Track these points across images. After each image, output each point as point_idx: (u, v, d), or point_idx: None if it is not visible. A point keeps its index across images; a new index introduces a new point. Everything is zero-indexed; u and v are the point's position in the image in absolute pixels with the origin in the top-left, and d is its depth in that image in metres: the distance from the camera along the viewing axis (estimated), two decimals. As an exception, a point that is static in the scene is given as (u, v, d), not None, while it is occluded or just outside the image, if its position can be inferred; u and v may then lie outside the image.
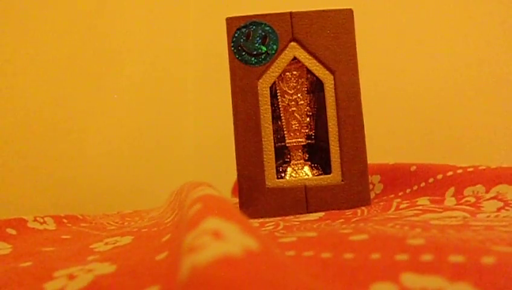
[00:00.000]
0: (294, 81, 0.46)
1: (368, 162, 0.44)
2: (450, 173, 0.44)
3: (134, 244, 0.29)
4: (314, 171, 0.46)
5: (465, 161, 0.47)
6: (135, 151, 0.90)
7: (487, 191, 0.39)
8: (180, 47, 1.06)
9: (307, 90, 0.46)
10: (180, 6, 1.07)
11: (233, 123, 0.44)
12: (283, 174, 0.46)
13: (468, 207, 0.33)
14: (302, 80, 0.46)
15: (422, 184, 0.46)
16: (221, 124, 0.78)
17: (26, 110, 0.69)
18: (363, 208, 0.41)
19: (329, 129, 0.44)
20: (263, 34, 0.44)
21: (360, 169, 0.44)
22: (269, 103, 0.45)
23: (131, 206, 0.73)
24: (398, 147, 0.84)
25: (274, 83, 0.45)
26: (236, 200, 0.45)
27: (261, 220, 0.39)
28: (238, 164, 0.44)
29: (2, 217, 0.42)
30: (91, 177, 0.79)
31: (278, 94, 0.46)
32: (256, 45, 0.44)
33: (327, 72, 0.45)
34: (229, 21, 0.45)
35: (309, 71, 0.45)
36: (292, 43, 0.45)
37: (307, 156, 0.47)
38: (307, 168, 0.46)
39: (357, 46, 0.45)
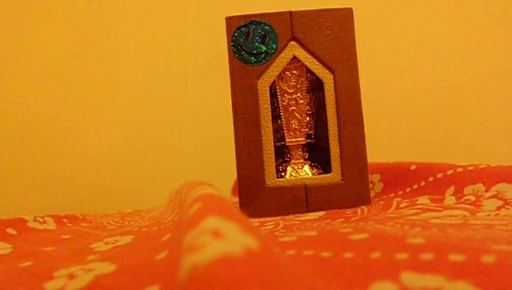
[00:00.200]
0: (294, 80, 0.46)
1: (368, 161, 0.44)
2: (450, 172, 0.44)
3: (135, 244, 0.29)
4: (314, 171, 0.46)
5: (465, 160, 0.47)
6: (135, 151, 0.90)
7: (487, 190, 0.39)
8: (179, 46, 1.06)
9: (306, 90, 0.46)
10: (180, 6, 1.06)
11: (233, 122, 0.44)
12: (283, 174, 0.46)
13: (468, 206, 0.33)
14: (302, 79, 0.46)
15: (422, 183, 0.46)
16: (221, 124, 0.78)
17: (26, 110, 0.69)
18: (363, 207, 0.41)
19: (329, 128, 0.44)
20: (263, 33, 0.44)
21: (360, 168, 0.44)
22: (269, 102, 0.45)
23: (131, 206, 0.73)
24: (398, 146, 0.84)
25: (274, 82, 0.45)
26: (237, 199, 0.45)
27: (261, 219, 0.39)
28: (238, 163, 0.44)
29: (2, 217, 0.42)
30: (91, 177, 0.79)
31: (278, 93, 0.46)
32: (256, 44, 0.44)
33: (327, 71, 0.45)
34: (229, 20, 0.45)
35: (309, 70, 0.45)
36: (292, 43, 0.45)
37: (307, 155, 0.47)
38: (306, 168, 0.46)
39: (356, 45, 0.45)
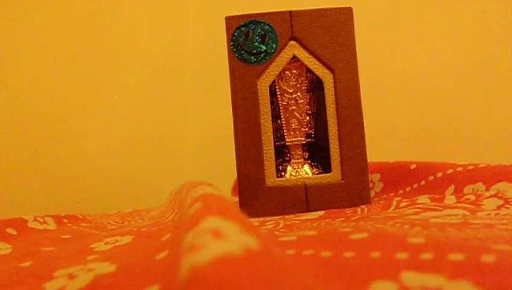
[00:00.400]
0: (294, 80, 0.46)
1: (368, 160, 0.44)
2: (450, 171, 0.44)
3: (135, 244, 0.29)
4: (314, 170, 0.46)
5: (465, 159, 0.47)
6: (135, 151, 0.90)
7: (487, 189, 0.39)
8: (179, 46, 1.06)
9: (306, 89, 0.46)
10: (180, 6, 1.06)
11: (233, 122, 0.44)
12: (283, 173, 0.46)
13: (468, 205, 0.33)
14: (302, 78, 0.46)
15: (422, 182, 0.46)
16: (221, 123, 0.78)
17: (26, 110, 0.69)
18: (363, 206, 0.41)
19: (329, 128, 0.44)
20: (262, 32, 0.44)
21: (360, 167, 0.44)
22: (269, 102, 0.45)
23: (131, 206, 0.73)
24: (398, 146, 0.84)
25: (273, 81, 0.45)
26: (237, 199, 0.45)
27: (261, 219, 0.39)
28: (238, 163, 0.44)
29: (2, 217, 0.42)
30: (91, 177, 0.79)
31: (278, 93, 0.46)
32: (256, 43, 0.44)
33: (327, 70, 0.45)
34: (228, 20, 0.45)
35: (308, 70, 0.45)
36: (291, 42, 0.45)
37: (307, 154, 0.47)
38: (306, 167, 0.46)
39: (356, 44, 0.45)
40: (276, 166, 0.45)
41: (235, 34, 0.45)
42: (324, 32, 0.44)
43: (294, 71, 0.46)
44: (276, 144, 0.46)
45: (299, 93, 0.46)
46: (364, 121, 0.44)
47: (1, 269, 0.25)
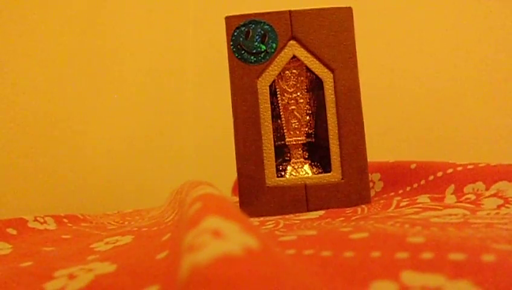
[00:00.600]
0: (294, 79, 0.46)
1: (368, 160, 0.44)
2: (450, 171, 0.44)
3: (135, 244, 0.29)
4: (314, 170, 0.46)
5: (465, 159, 0.47)
6: (135, 151, 0.90)
7: (487, 189, 0.39)
8: (179, 46, 1.06)
9: (306, 89, 0.46)
10: (180, 6, 1.06)
11: (233, 122, 0.44)
12: (283, 173, 0.46)
13: (468, 205, 0.33)
14: (302, 78, 0.46)
15: (422, 182, 0.46)
16: (221, 123, 0.78)
17: (26, 110, 0.69)
18: (363, 206, 0.41)
19: (329, 127, 0.44)
20: (262, 32, 0.44)
21: (360, 167, 0.44)
22: (269, 102, 0.45)
23: (131, 206, 0.73)
24: (398, 145, 0.84)
25: (273, 81, 0.45)
26: (237, 199, 0.45)
27: (261, 218, 0.39)
28: (238, 163, 0.44)
29: (2, 217, 0.42)
30: (91, 177, 0.79)
31: (278, 93, 0.46)
32: (256, 43, 0.44)
33: (326, 70, 0.45)
34: (228, 20, 0.45)
35: (308, 69, 0.45)
36: (291, 42, 0.45)
37: (307, 154, 0.47)
38: (306, 167, 0.46)
39: (356, 44, 0.45)
40: (276, 166, 0.45)
41: (235, 33, 0.45)
42: (324, 32, 0.44)
43: (294, 71, 0.46)
44: (276, 143, 0.46)
45: (299, 93, 0.46)
46: (364, 121, 0.44)
47: (1, 269, 0.25)
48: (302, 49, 0.45)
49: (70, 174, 0.75)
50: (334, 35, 0.44)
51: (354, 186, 0.43)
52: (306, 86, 0.46)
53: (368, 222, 0.26)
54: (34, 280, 0.22)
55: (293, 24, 0.44)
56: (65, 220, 0.48)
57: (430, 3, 0.84)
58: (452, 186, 0.42)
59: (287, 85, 0.46)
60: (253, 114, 0.44)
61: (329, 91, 0.44)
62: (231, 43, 0.45)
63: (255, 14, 0.45)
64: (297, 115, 0.46)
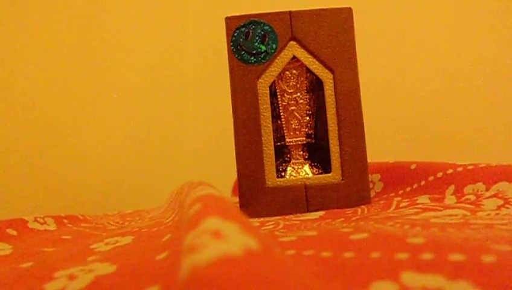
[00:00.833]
0: (294, 80, 0.46)
1: (368, 160, 0.44)
2: (450, 171, 0.44)
3: (135, 245, 0.29)
4: (314, 170, 0.46)
5: (465, 159, 0.47)
6: (135, 151, 0.90)
7: (487, 189, 0.39)
8: (179, 46, 1.06)
9: (306, 89, 0.46)
10: (180, 6, 1.06)
11: (233, 122, 0.44)
12: (283, 174, 0.46)
13: (468, 205, 0.33)
14: (302, 78, 0.46)
15: (423, 182, 0.46)
16: (221, 124, 0.78)
17: (26, 110, 0.69)
18: (363, 206, 0.41)
19: (329, 128, 0.44)
20: (262, 33, 0.44)
21: (360, 168, 0.44)
22: (269, 102, 0.45)
23: (131, 206, 0.73)
24: (398, 146, 0.84)
25: (273, 82, 0.45)
26: (237, 199, 0.45)
27: (261, 219, 0.39)
28: (238, 164, 0.44)
29: (2, 217, 0.42)
30: (91, 177, 0.79)
31: (278, 93, 0.46)
32: (256, 44, 0.44)
33: (327, 71, 0.45)
34: (228, 20, 0.45)
35: (308, 70, 0.45)
36: (291, 42, 0.45)
37: (307, 155, 0.47)
38: (307, 167, 0.46)
39: (356, 45, 0.45)
40: (276, 166, 0.45)
41: (235, 34, 0.45)
42: (324, 32, 0.44)
43: (294, 71, 0.46)
44: (276, 144, 0.46)
45: (299, 94, 0.46)
46: (364, 121, 0.44)
47: (1, 269, 0.25)
48: (302, 50, 0.45)
49: (70, 174, 0.75)
50: (334, 35, 0.44)
51: (354, 187, 0.43)
52: (306, 86, 0.46)
53: (368, 223, 0.26)
54: (34, 280, 0.22)
55: (293, 25, 0.44)
56: (65, 221, 0.48)
57: (430, 3, 0.84)
58: (452, 186, 0.42)
59: (287, 86, 0.46)
60: (253, 114, 0.44)
61: (329, 92, 0.44)
62: (231, 43, 0.45)
63: (255, 14, 0.45)
64: (297, 115, 0.46)
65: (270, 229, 0.31)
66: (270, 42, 0.44)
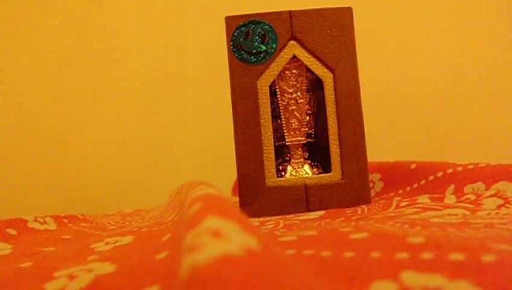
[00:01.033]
0: (294, 79, 0.46)
1: (368, 160, 0.44)
2: (450, 171, 0.44)
3: (135, 244, 0.29)
4: (314, 170, 0.46)
5: (465, 159, 0.47)
6: (135, 151, 0.90)
7: (487, 189, 0.39)
8: (179, 46, 1.06)
9: (306, 89, 0.46)
10: (180, 6, 1.06)
11: (233, 122, 0.44)
12: (283, 173, 0.46)
13: (468, 205, 0.33)
14: (302, 78, 0.46)
15: (422, 182, 0.46)
16: (221, 123, 0.78)
17: (26, 110, 0.69)
18: (363, 206, 0.41)
19: (329, 127, 0.44)
20: (262, 32, 0.44)
21: (360, 167, 0.44)
22: (269, 102, 0.45)
23: (131, 206, 0.73)
24: (398, 145, 0.84)
25: (273, 81, 0.45)
26: (237, 199, 0.45)
27: (261, 219, 0.39)
28: (238, 163, 0.44)
29: (2, 217, 0.42)
30: (91, 177, 0.79)
31: (278, 93, 0.46)
32: (256, 43, 0.44)
33: (327, 70, 0.45)
34: (228, 20, 0.45)
35: (308, 70, 0.45)
36: (291, 42, 0.45)
37: (307, 154, 0.47)
38: (307, 167, 0.46)
39: (356, 44, 0.45)
40: (276, 166, 0.45)
41: (235, 34, 0.45)
42: (324, 32, 0.44)
43: (294, 71, 0.46)
44: (276, 144, 0.46)
45: (299, 93, 0.46)
46: (364, 121, 0.44)
47: (1, 269, 0.25)
48: (302, 49, 0.45)
49: (70, 174, 0.75)
50: (334, 35, 0.44)
51: (354, 187, 0.43)
52: (306, 86, 0.46)
53: (368, 222, 0.26)
54: (34, 280, 0.22)
55: (293, 24, 0.44)
56: (65, 221, 0.48)
57: (430, 3, 0.84)
58: (452, 186, 0.42)
59: (287, 85, 0.46)
60: (253, 114, 0.44)
61: (329, 91, 0.44)
62: (231, 43, 0.45)
63: (255, 14, 0.45)
64: (297, 115, 0.46)
65: (270, 229, 0.31)
66: (270, 42, 0.44)
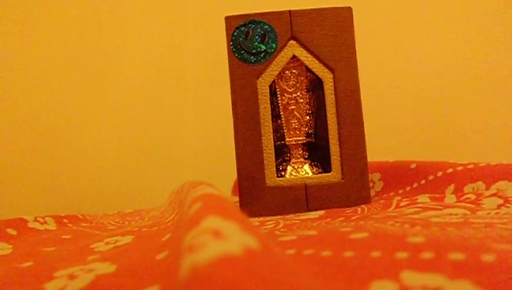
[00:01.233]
0: (294, 79, 0.46)
1: (368, 160, 0.44)
2: (450, 170, 0.44)
3: (135, 244, 0.29)
4: (314, 170, 0.46)
5: (465, 158, 0.47)
6: (135, 151, 0.90)
7: (487, 188, 0.39)
8: (179, 46, 1.06)
9: (306, 89, 0.46)
10: (180, 6, 1.06)
11: (233, 122, 0.44)
12: (283, 173, 0.46)
13: (468, 204, 0.33)
14: (302, 78, 0.46)
15: (422, 182, 0.46)
16: (221, 123, 0.78)
17: (26, 110, 0.69)
18: (363, 206, 0.41)
19: (329, 127, 0.44)
20: (262, 32, 0.44)
21: (360, 167, 0.44)
22: (269, 102, 0.45)
23: (131, 206, 0.73)
24: (398, 145, 0.84)
25: (273, 81, 0.45)
26: (237, 199, 0.45)
27: (261, 218, 0.39)
28: (238, 163, 0.44)
29: (2, 217, 0.42)
30: (91, 177, 0.79)
31: (278, 93, 0.46)
32: (256, 43, 0.44)
33: (326, 70, 0.45)
34: (228, 20, 0.45)
35: (308, 69, 0.45)
36: (291, 42, 0.45)
37: (307, 154, 0.47)
38: (307, 167, 0.46)
39: (356, 44, 0.45)
40: (276, 166, 0.45)
41: (235, 33, 0.45)
42: (324, 32, 0.44)
43: (294, 71, 0.46)
44: (276, 143, 0.46)
45: (299, 93, 0.46)
46: (364, 120, 0.44)
47: (1, 269, 0.25)
48: (302, 49, 0.45)
49: (70, 174, 0.75)
50: (334, 35, 0.44)
51: (354, 186, 0.43)
52: (306, 86, 0.46)
53: (367, 222, 0.26)
54: (34, 280, 0.22)
55: (293, 24, 0.44)
56: (65, 221, 0.48)
57: (430, 3, 0.84)
58: (452, 186, 0.42)
59: (287, 85, 0.46)
60: (253, 114, 0.44)
61: (329, 91, 0.44)
62: (231, 43, 0.45)
63: (255, 14, 0.45)
64: (297, 115, 0.46)
65: (270, 229, 0.31)
66: (269, 41, 0.44)
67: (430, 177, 0.45)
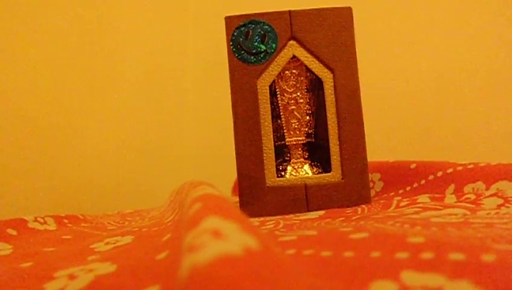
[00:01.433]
0: (294, 79, 0.46)
1: (368, 160, 0.44)
2: (450, 170, 0.44)
3: (135, 244, 0.29)
4: (314, 170, 0.46)
5: (465, 158, 0.47)
6: (135, 151, 0.90)
7: (487, 188, 0.39)
8: (179, 46, 1.06)
9: (306, 89, 0.46)
10: (180, 6, 1.06)
11: (233, 122, 0.44)
12: (283, 173, 0.46)
13: (468, 204, 0.33)
14: (302, 78, 0.46)
15: (422, 182, 0.46)
16: (221, 123, 0.78)
17: (26, 110, 0.69)
18: (363, 206, 0.41)
19: (329, 127, 0.44)
20: (262, 32, 0.44)
21: (360, 167, 0.44)
22: (269, 102, 0.45)
23: (131, 206, 0.73)
24: (398, 145, 0.84)
25: (273, 81, 0.45)
26: (237, 199, 0.45)
27: (261, 219, 0.39)
28: (238, 163, 0.44)
29: (2, 217, 0.42)
30: (91, 177, 0.79)
31: (278, 93, 0.46)
32: (256, 43, 0.44)
33: (326, 70, 0.45)
34: (228, 20, 0.45)
35: (308, 70, 0.45)
36: (291, 42, 0.45)
37: (307, 154, 0.47)
38: (307, 167, 0.46)
39: (356, 44, 0.45)
40: (276, 166, 0.45)
41: (235, 34, 0.45)
42: (324, 32, 0.44)
43: (294, 71, 0.46)
44: (276, 143, 0.46)
45: (298, 93, 0.46)
46: (364, 121, 0.44)
47: (1, 269, 0.25)
48: (301, 49, 0.45)
49: (70, 174, 0.75)
50: (334, 35, 0.44)
51: (354, 186, 0.43)
52: (306, 86, 0.46)
53: (368, 222, 0.26)
54: (34, 280, 0.22)
55: (293, 24, 0.44)
56: (65, 221, 0.48)
57: (430, 3, 0.84)
58: (452, 186, 0.42)
59: (287, 85, 0.46)
60: (253, 114, 0.44)
61: (329, 91, 0.44)
62: (231, 43, 0.45)
63: (255, 14, 0.45)
64: (297, 115, 0.46)
65: (270, 229, 0.31)
66: (269, 42, 0.44)
67: (430, 177, 0.45)
